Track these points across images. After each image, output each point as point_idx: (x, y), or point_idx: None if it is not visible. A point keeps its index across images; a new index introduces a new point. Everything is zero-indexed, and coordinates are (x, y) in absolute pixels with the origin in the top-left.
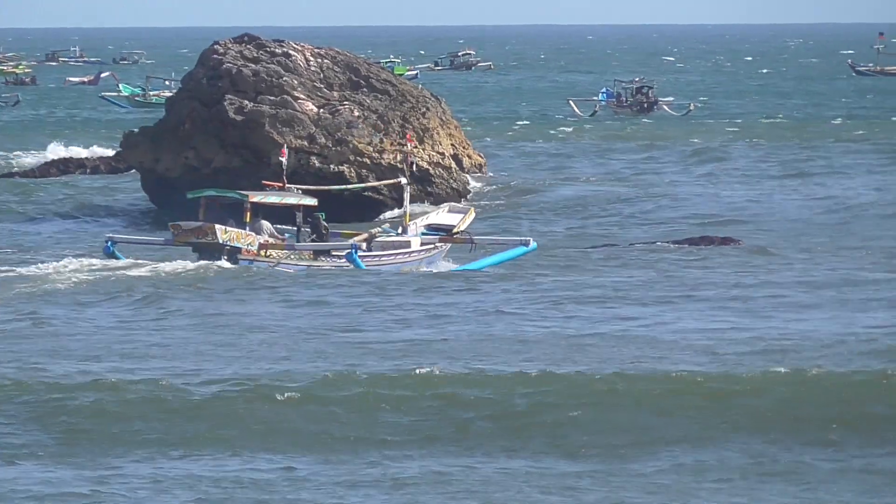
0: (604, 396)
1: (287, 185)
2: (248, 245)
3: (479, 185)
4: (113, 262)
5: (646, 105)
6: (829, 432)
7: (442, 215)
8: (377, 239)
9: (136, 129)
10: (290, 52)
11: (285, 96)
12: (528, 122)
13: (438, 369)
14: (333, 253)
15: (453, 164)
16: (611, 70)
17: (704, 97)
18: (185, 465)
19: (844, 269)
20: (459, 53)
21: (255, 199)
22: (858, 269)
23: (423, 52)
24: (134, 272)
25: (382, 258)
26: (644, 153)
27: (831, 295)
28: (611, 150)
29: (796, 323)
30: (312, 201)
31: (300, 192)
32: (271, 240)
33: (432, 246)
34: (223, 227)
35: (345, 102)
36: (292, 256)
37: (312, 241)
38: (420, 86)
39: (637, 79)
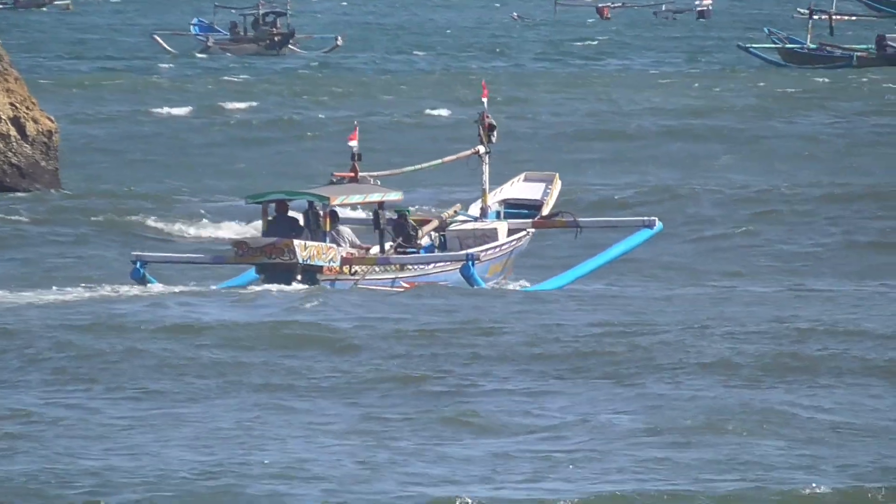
0: None
1: (361, 175)
2: (329, 261)
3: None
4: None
5: (277, 39)
6: None
7: (518, 186)
8: (452, 228)
9: None
10: None
11: None
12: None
13: None
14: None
15: (13, 131)
16: None
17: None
18: None
19: None
20: None
21: (337, 202)
22: None
23: None
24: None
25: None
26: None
27: None
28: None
29: None
30: (398, 195)
31: (379, 183)
32: (354, 251)
33: (524, 233)
34: (302, 243)
35: None
36: (377, 271)
37: (398, 245)
38: None
39: (262, 1)
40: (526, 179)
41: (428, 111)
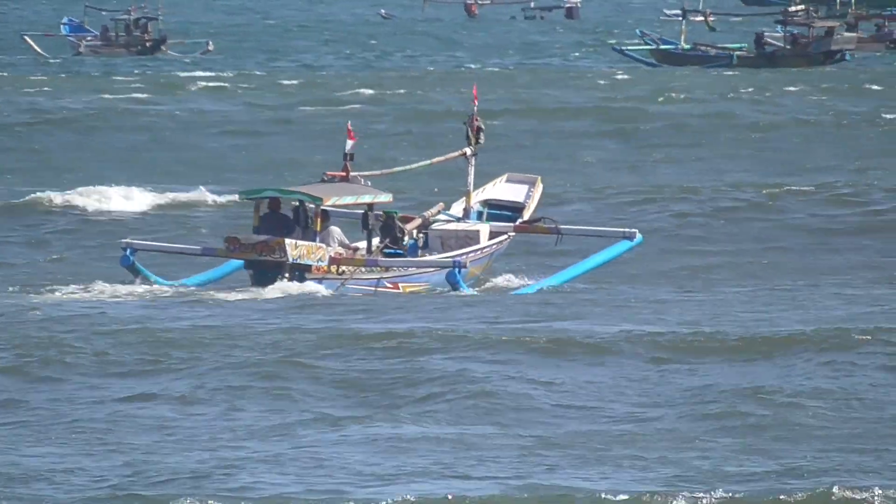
0: None
1: (352, 175)
2: (318, 261)
3: None
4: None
5: (148, 44)
6: None
7: (501, 187)
8: (435, 228)
9: None
10: None
11: None
12: None
13: None
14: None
15: None
16: None
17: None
18: None
19: None
20: None
21: (329, 203)
22: None
23: None
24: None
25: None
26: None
27: None
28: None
29: None
30: (387, 197)
31: (370, 183)
32: (342, 251)
33: (505, 236)
34: (293, 242)
35: None
36: (363, 271)
37: (386, 247)
38: None
39: (134, 6)
40: (508, 180)
41: (302, 108)
